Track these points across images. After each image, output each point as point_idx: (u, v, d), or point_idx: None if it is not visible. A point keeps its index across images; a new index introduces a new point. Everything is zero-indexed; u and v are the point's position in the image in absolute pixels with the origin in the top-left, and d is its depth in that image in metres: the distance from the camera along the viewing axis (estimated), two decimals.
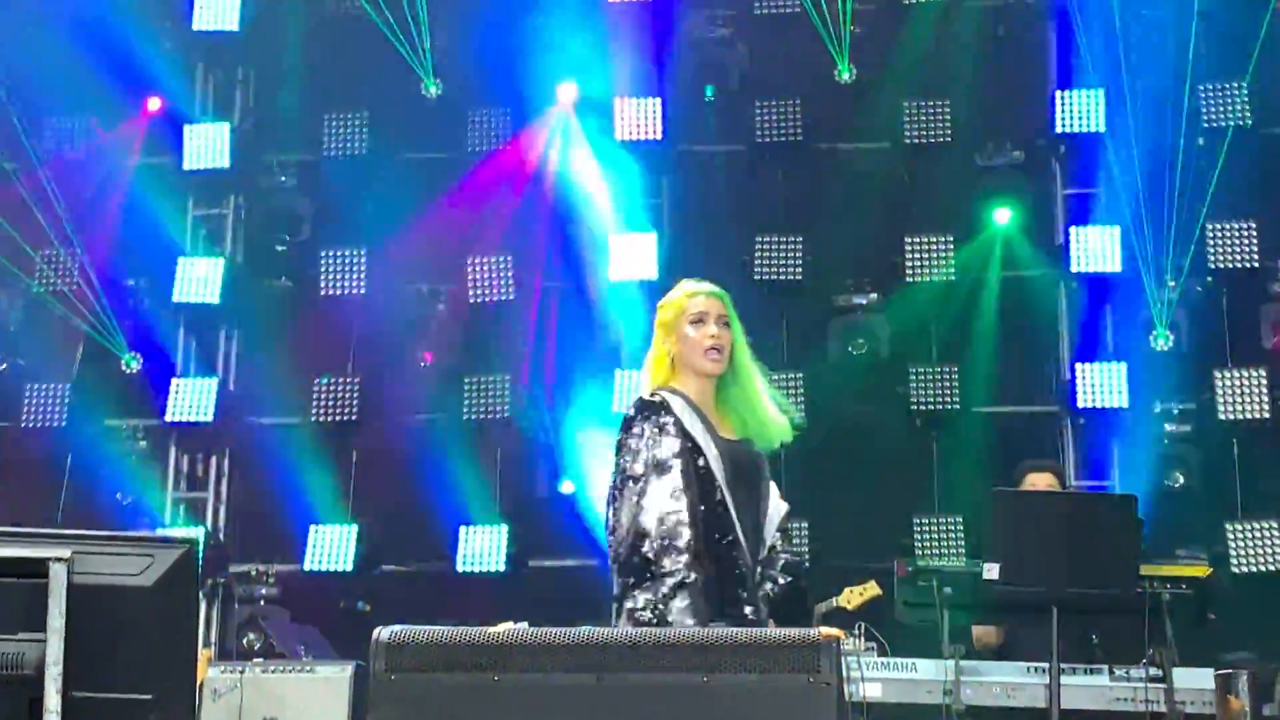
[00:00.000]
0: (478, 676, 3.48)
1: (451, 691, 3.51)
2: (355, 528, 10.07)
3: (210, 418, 10.43)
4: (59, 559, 3.12)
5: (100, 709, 3.19)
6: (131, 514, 10.47)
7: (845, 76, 10.48)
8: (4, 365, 10.82)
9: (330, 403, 10.40)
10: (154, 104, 10.95)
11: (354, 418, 10.42)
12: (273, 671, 7.82)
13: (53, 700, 3.09)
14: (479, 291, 10.50)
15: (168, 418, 10.52)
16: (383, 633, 3.56)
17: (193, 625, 3.59)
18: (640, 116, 10.49)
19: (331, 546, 10.00)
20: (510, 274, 10.46)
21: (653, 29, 10.62)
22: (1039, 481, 6.72)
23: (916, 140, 10.40)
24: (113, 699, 3.18)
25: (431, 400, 10.61)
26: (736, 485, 4.49)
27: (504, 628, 3.59)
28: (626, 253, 10.37)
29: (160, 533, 9.79)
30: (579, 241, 10.60)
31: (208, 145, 10.83)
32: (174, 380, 10.60)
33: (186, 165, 10.85)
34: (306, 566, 10.05)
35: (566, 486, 10.22)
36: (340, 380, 10.49)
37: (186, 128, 10.83)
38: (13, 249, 10.54)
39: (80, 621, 3.13)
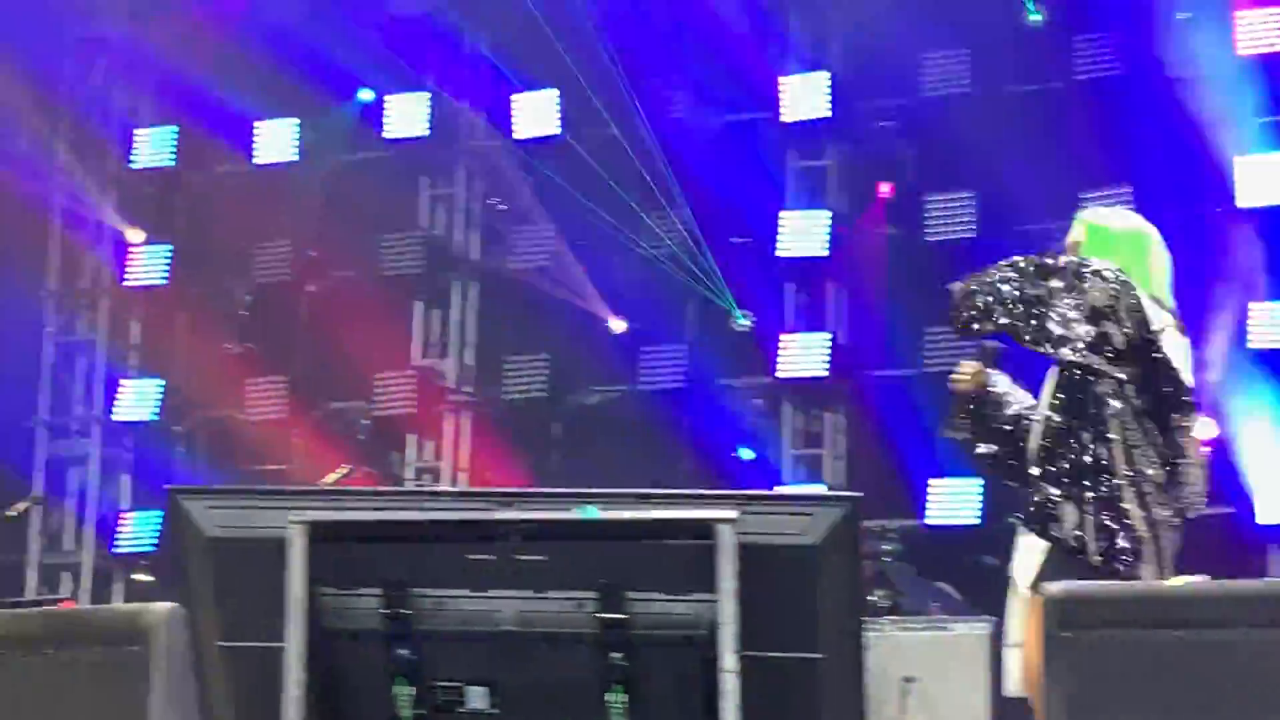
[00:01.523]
0: (1160, 634, 3.38)
1: (1131, 649, 3.42)
2: (981, 481, 9.85)
3: (824, 373, 10.43)
4: (725, 519, 3.09)
5: (772, 668, 3.13)
6: (750, 473, 10.65)
7: None
8: (622, 328, 11.18)
9: (944, 353, 10.21)
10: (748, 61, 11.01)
11: None
12: (905, 630, 7.72)
13: (729, 660, 3.05)
14: None
15: (779, 374, 10.59)
16: (1054, 588, 3.48)
17: (858, 582, 3.58)
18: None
19: (954, 500, 9.85)
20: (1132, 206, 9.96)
21: None
22: None
23: None
24: (784, 658, 3.13)
25: None
26: None
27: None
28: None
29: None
30: (1203, 166, 9.98)
31: (806, 96, 10.81)
32: (783, 336, 10.66)
33: (784, 117, 10.88)
34: (928, 520, 9.94)
35: None
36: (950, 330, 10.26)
37: (781, 79, 10.86)
38: (622, 212, 10.86)
39: (748, 581, 3.07)
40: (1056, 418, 4.68)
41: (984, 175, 10.35)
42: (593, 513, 3.05)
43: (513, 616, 3.02)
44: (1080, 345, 4.55)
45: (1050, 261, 4.73)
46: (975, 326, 4.75)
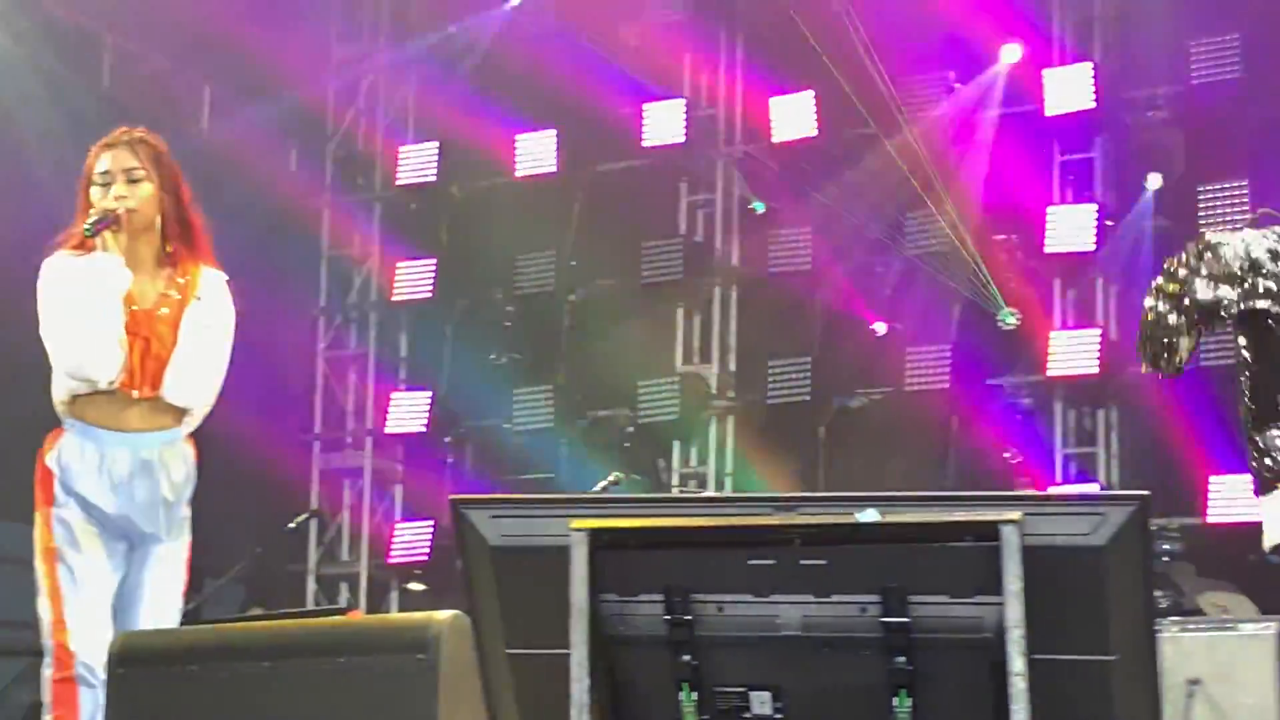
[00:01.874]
0: None
1: None
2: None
3: (1095, 369, 10.25)
4: (1009, 521, 3.06)
5: (1062, 671, 3.11)
6: (1018, 473, 10.50)
7: None
8: (883, 330, 11.12)
9: (1221, 347, 9.96)
10: (1010, 52, 10.87)
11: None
12: (1190, 630, 7.54)
13: (1017, 663, 3.02)
14: None
15: (1049, 372, 10.45)
16: None
17: (1149, 582, 3.54)
18: None
19: (1237, 497, 9.59)
20: None
21: None
22: None
23: None
24: (1075, 660, 3.10)
25: None
26: None
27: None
28: None
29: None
30: None
31: (1069, 88, 10.63)
32: (1052, 333, 10.54)
33: (1048, 111, 10.71)
34: (1210, 519, 9.67)
35: None
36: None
37: (1045, 72, 10.69)
38: (884, 214, 10.79)
39: (1034, 583, 3.03)
40: None
41: (1259, 163, 10.07)
42: (874, 516, 3.03)
43: (795, 621, 3.02)
44: None
45: None
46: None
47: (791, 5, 10.75)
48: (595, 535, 2.99)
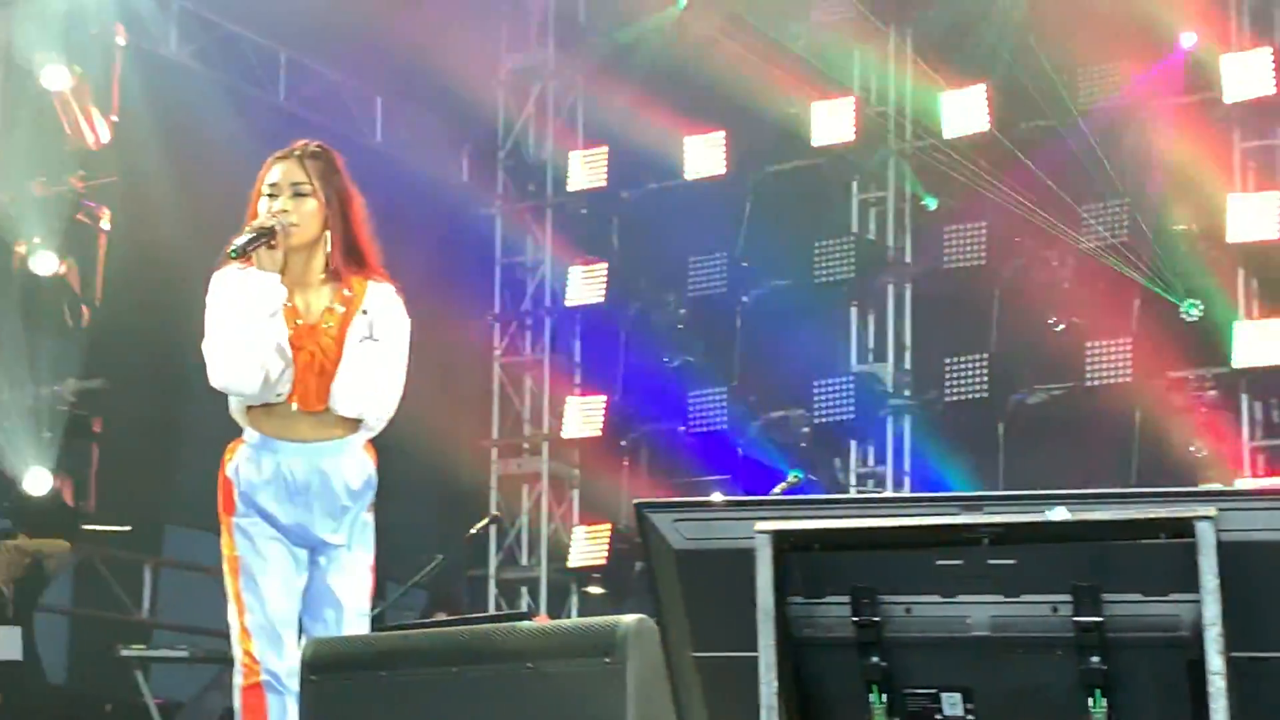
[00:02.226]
0: None
1: None
2: None
3: None
4: (1204, 517, 3.02)
5: (1262, 669, 3.05)
6: (1205, 466, 10.39)
7: None
8: (1061, 325, 11.04)
9: None
10: (1188, 39, 10.74)
11: None
12: None
13: (1215, 662, 2.97)
14: None
15: (1235, 364, 10.32)
16: None
17: None
18: None
19: None
20: None
21: None
22: None
23: None
24: (1276, 658, 3.03)
25: None
26: None
27: None
28: None
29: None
30: None
31: (1249, 74, 10.48)
32: (1237, 324, 10.45)
33: (1228, 98, 10.56)
34: None
35: None
36: None
37: (1224, 58, 10.53)
38: (1060, 207, 10.73)
39: (1231, 579, 2.98)
40: None
41: None
42: (1063, 514, 3.03)
43: (985, 621, 3.02)
44: None
45: None
46: None
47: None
48: (780, 537, 3.02)
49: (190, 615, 11.43)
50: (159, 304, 10.75)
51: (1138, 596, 3.02)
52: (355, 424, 4.96)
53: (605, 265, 12.88)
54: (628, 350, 12.95)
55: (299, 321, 4.87)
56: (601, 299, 12.83)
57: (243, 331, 4.76)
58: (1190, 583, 2.95)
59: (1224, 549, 2.97)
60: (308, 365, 4.87)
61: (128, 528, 12.17)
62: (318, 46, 12.78)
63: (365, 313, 4.96)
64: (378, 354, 4.95)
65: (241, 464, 4.92)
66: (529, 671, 4.05)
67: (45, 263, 11.15)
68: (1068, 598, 3.00)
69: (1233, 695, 2.95)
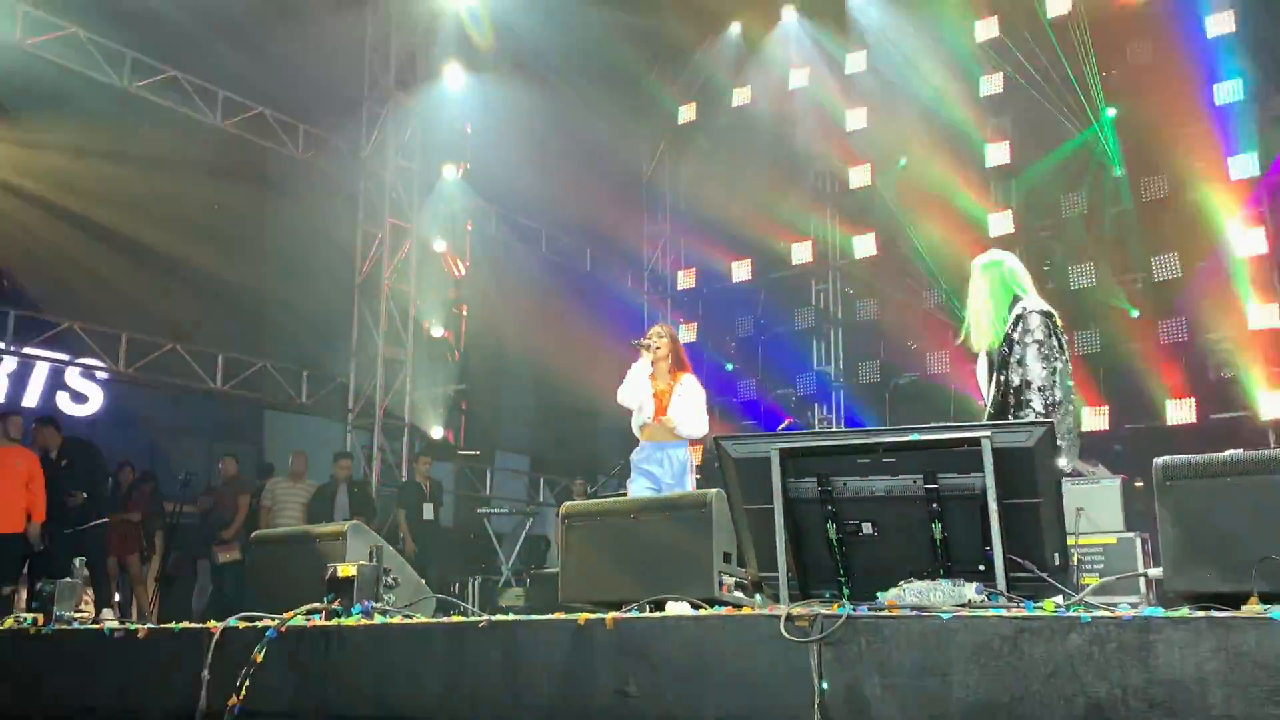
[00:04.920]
0: None
1: None
2: None
3: None
4: (985, 436, 4.47)
5: (1017, 509, 4.37)
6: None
7: None
8: (915, 345, 18.49)
9: None
10: None
11: None
12: None
13: (992, 507, 4.30)
14: None
15: None
16: None
17: None
18: None
19: None
20: None
21: None
22: None
23: None
24: (1023, 502, 4.36)
25: None
26: None
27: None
28: None
29: None
30: None
31: None
32: None
33: None
34: None
35: None
36: None
37: None
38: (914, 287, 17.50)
39: (999, 466, 4.34)
40: None
41: None
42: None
43: (882, 489, 4.73)
44: None
45: None
46: None
47: None
48: (783, 451, 4.83)
49: (508, 491, 23.25)
50: (489, 351, 22.44)
51: (955, 475, 4.53)
52: (678, 435, 9.97)
53: (696, 324, 22.73)
54: (709, 365, 21.20)
55: (656, 388, 10.02)
56: (694, 338, 22.22)
57: (629, 388, 9.93)
58: (980, 467, 4.50)
59: (996, 452, 4.52)
60: (658, 407, 9.81)
61: (476, 451, 22.81)
62: (569, 228, 24.89)
63: (681, 383, 10.02)
64: (684, 404, 9.83)
65: (635, 452, 9.99)
66: (667, 517, 5.90)
67: (436, 330, 21.83)
68: (922, 477, 4.59)
69: (1001, 524, 4.44)
